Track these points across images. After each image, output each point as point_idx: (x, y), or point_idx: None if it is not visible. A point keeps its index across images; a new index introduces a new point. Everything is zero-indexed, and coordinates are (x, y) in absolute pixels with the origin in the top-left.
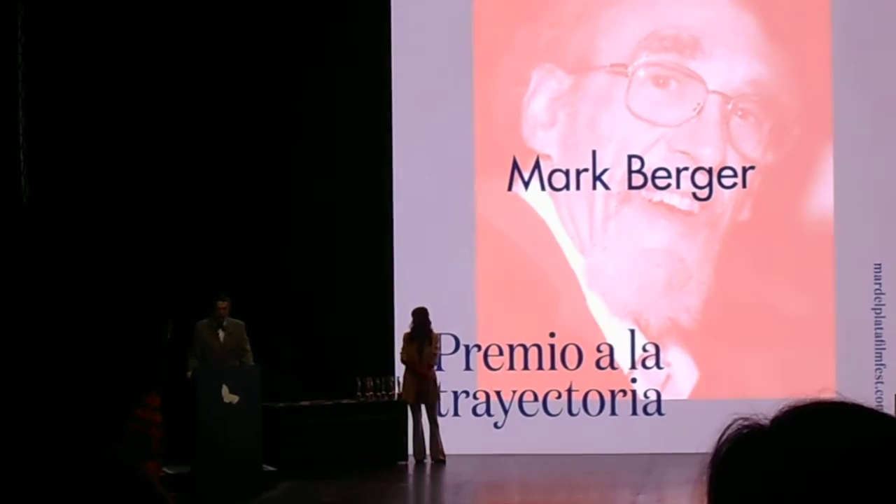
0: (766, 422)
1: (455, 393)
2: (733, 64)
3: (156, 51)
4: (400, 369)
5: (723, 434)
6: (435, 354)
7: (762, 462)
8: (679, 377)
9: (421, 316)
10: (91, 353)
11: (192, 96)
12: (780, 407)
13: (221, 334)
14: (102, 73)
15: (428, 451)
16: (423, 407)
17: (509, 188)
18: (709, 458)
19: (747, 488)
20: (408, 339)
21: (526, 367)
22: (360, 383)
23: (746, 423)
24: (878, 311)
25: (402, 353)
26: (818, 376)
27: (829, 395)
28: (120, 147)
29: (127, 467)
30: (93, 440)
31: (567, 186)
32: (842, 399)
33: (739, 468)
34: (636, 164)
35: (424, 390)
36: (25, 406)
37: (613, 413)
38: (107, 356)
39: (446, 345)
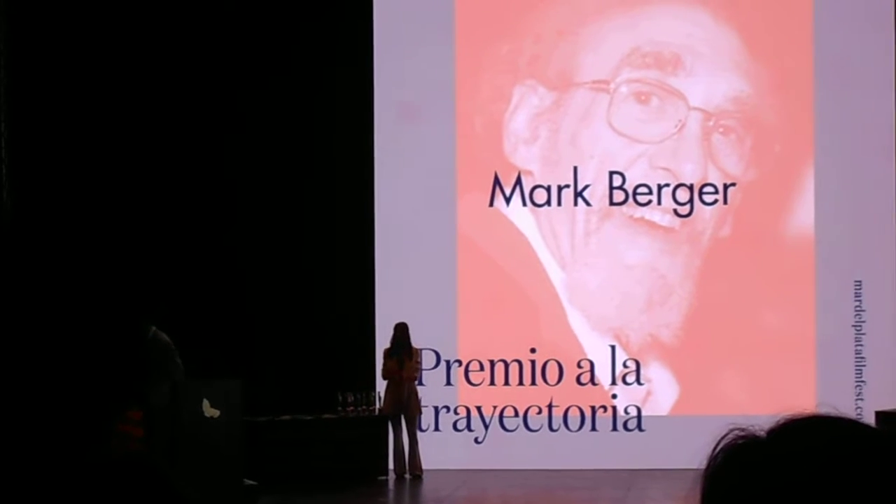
0: (762, 433)
1: (436, 408)
2: (715, 81)
3: (137, 61)
4: (381, 384)
5: (718, 443)
6: (416, 369)
7: (757, 472)
8: (659, 393)
9: (400, 331)
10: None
11: (175, 107)
12: (776, 419)
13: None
14: (84, 83)
15: (407, 466)
16: (402, 422)
17: (491, 204)
18: (703, 467)
19: (741, 498)
20: (387, 354)
21: (507, 383)
22: (340, 398)
23: (742, 433)
24: (858, 328)
25: (382, 370)
26: (799, 393)
27: (816, 410)
28: (103, 156)
29: (151, 464)
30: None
31: (548, 202)
32: (837, 413)
33: (734, 477)
34: (617, 181)
35: (405, 403)
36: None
37: (594, 429)
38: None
39: (427, 360)
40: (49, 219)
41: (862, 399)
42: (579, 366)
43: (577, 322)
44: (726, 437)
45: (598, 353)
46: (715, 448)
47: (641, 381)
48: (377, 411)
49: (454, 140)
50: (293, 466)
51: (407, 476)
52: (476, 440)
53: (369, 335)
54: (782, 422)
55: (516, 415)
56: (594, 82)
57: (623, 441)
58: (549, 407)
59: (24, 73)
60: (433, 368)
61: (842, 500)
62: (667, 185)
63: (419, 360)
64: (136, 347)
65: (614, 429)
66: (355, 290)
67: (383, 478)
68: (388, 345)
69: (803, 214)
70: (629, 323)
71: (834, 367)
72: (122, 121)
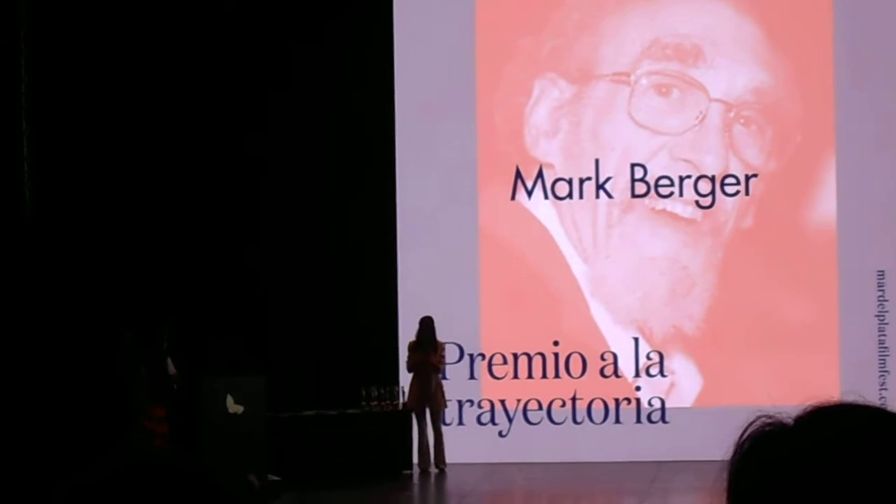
0: (790, 420)
1: (459, 402)
2: (735, 72)
3: (159, 60)
4: (405, 378)
5: (745, 430)
6: (441, 361)
7: (784, 459)
8: (683, 385)
9: (427, 325)
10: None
11: (197, 105)
12: (803, 407)
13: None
14: (105, 83)
15: (432, 460)
16: (427, 415)
17: (512, 197)
18: (729, 455)
19: (768, 484)
20: (412, 347)
21: (530, 376)
22: (364, 393)
23: (769, 420)
24: (881, 318)
25: (407, 362)
26: (822, 383)
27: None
28: (125, 154)
29: (194, 464)
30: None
31: (570, 195)
32: (864, 402)
33: (761, 464)
34: (639, 173)
35: (430, 397)
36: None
37: (618, 421)
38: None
39: (450, 354)
40: (71, 217)
41: (886, 388)
42: (602, 358)
43: (600, 314)
44: (753, 425)
45: (621, 346)
46: (742, 435)
47: (665, 373)
48: (401, 406)
49: (475, 134)
50: (317, 462)
51: (432, 470)
52: (500, 434)
53: (392, 330)
54: (809, 410)
55: (540, 408)
56: (615, 75)
57: (647, 433)
58: (573, 400)
59: (46, 73)
60: (456, 362)
61: (870, 488)
62: (688, 176)
63: (443, 353)
64: (158, 345)
65: (638, 421)
66: (378, 284)
67: (408, 472)
68: (412, 338)
69: (825, 205)
70: (652, 315)
71: (857, 357)
72: (143, 118)
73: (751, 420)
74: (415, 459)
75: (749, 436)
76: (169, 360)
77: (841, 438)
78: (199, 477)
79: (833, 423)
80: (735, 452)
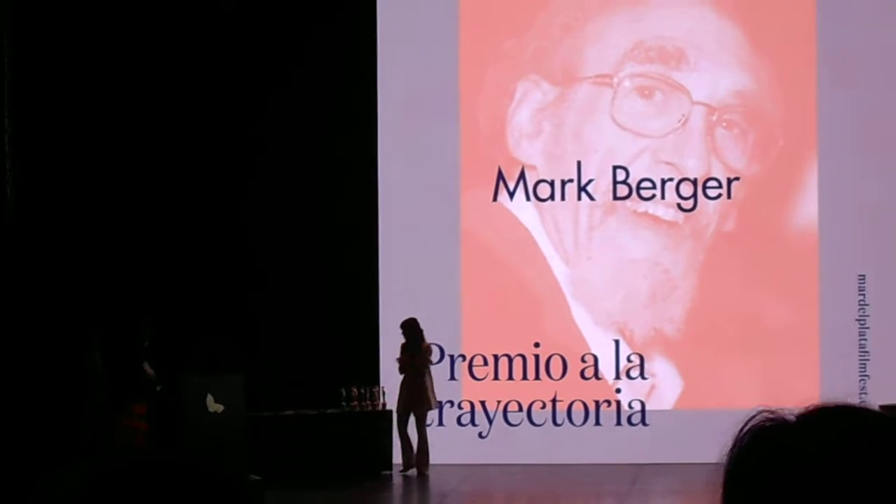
0: (792, 417)
1: (440, 403)
2: (718, 75)
3: (142, 57)
4: (385, 379)
5: (746, 424)
6: (423, 363)
7: (785, 454)
8: (663, 387)
9: (408, 327)
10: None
11: (180, 103)
12: (807, 405)
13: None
14: (88, 79)
15: (414, 462)
16: (411, 418)
17: (494, 199)
18: (728, 446)
19: (765, 479)
20: (402, 349)
21: (510, 378)
22: (345, 393)
23: (771, 415)
24: (862, 322)
25: (398, 363)
26: (802, 387)
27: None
28: (106, 151)
29: (220, 465)
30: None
31: (552, 197)
32: (866, 405)
33: (761, 458)
34: (621, 175)
35: (417, 400)
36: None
37: (598, 423)
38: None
39: (432, 355)
40: (53, 215)
41: (865, 393)
42: (583, 360)
43: (581, 316)
44: (755, 419)
45: (601, 348)
46: (742, 429)
47: (645, 376)
48: (381, 406)
49: (458, 135)
50: (297, 461)
51: (411, 473)
52: (480, 435)
53: (373, 330)
54: (812, 408)
55: (520, 409)
56: (597, 77)
57: (627, 435)
58: (553, 401)
59: (29, 70)
60: (437, 363)
61: (868, 488)
62: (670, 179)
63: (428, 355)
64: (139, 343)
65: (618, 423)
66: (359, 284)
67: (387, 472)
68: (400, 340)
69: (807, 209)
70: (633, 317)
71: (838, 361)
72: (125, 115)
73: (752, 415)
74: (398, 459)
75: (750, 429)
76: (145, 364)
77: (842, 438)
78: (227, 481)
79: (835, 423)
80: (734, 445)
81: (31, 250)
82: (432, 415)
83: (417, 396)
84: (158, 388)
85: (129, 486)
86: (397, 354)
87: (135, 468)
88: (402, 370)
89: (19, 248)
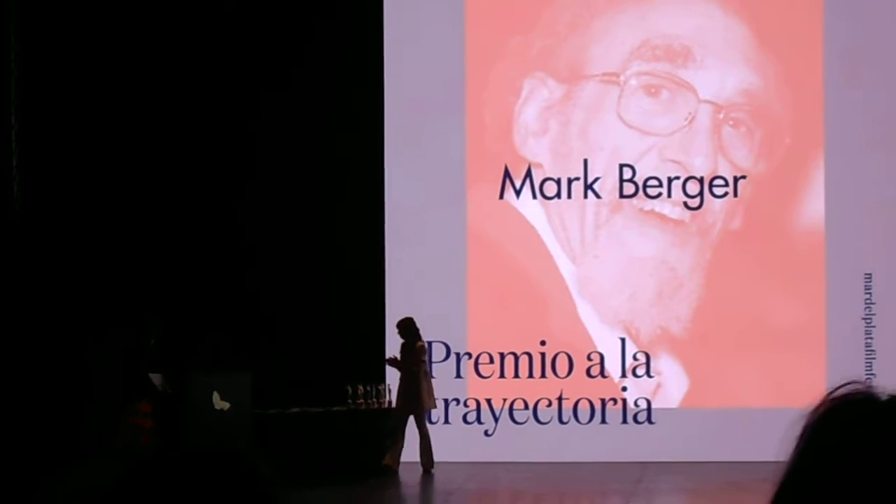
0: (884, 394)
1: (446, 401)
2: (725, 73)
3: (148, 56)
4: (391, 377)
5: (834, 390)
6: (414, 362)
7: (867, 428)
8: (669, 386)
9: (401, 327)
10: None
11: (185, 101)
12: None
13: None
14: (95, 78)
15: (419, 459)
16: (409, 417)
17: (500, 196)
18: (811, 408)
19: (843, 447)
20: (402, 348)
21: (516, 376)
22: (350, 391)
23: (862, 388)
24: (868, 321)
25: (387, 363)
26: (808, 386)
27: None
28: (113, 149)
29: (242, 457)
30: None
31: (558, 195)
32: None
33: (843, 425)
34: (627, 173)
35: (412, 400)
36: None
37: (604, 421)
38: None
39: (437, 353)
40: (59, 213)
41: None
42: (589, 358)
43: (587, 315)
44: (844, 387)
45: (607, 346)
46: (830, 394)
47: (651, 374)
48: (387, 404)
49: (464, 133)
50: (302, 459)
51: (419, 469)
52: (486, 433)
53: (379, 328)
54: None
55: (526, 407)
56: (604, 75)
57: (633, 434)
58: (559, 400)
59: (35, 68)
60: (443, 361)
61: None
62: (677, 177)
63: (419, 355)
64: (145, 342)
65: (624, 421)
66: (365, 282)
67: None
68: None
69: (813, 207)
70: (639, 315)
71: (844, 359)
72: (131, 114)
73: (842, 383)
74: (404, 458)
75: (838, 397)
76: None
77: None
78: (248, 473)
79: None
80: (817, 408)
81: (37, 248)
82: (437, 413)
83: (412, 396)
84: (169, 392)
85: (171, 480)
86: (397, 354)
87: (179, 462)
88: (399, 369)
89: (25, 245)
